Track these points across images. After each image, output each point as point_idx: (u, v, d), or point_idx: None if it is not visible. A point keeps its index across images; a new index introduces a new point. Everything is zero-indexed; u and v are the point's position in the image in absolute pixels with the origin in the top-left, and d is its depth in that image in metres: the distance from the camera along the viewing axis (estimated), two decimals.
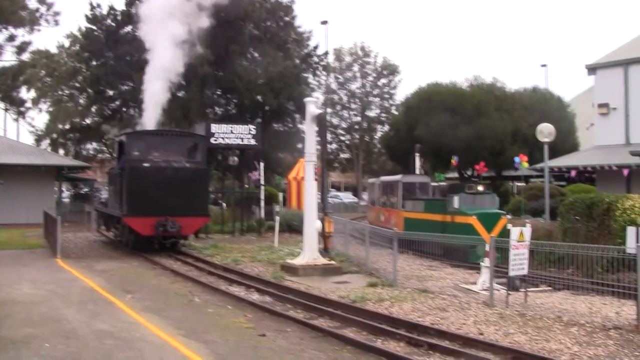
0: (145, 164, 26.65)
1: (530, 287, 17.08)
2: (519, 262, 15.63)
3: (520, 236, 15.67)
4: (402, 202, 32.70)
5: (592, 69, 40.38)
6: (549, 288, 17.54)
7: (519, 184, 49.43)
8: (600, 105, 38.84)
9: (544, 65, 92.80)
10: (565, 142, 46.33)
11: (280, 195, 41.68)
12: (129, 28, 44.91)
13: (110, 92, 47.99)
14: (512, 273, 15.69)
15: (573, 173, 36.44)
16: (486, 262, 16.95)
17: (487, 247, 17.12)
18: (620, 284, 14.57)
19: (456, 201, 26.47)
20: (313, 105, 22.75)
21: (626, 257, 14.45)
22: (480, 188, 27.05)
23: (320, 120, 22.42)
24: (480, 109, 47.42)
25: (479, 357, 11.30)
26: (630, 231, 14.18)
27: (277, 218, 30.21)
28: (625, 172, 31.62)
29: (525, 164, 33.81)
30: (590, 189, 34.07)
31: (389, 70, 74.60)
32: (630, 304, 14.03)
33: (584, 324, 13.61)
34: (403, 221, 31.11)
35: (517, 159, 25.24)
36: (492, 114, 47.39)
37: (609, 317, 14.32)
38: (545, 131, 28.19)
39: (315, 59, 52.43)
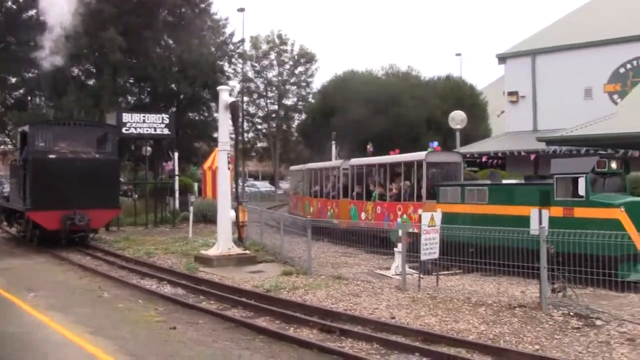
0: (51, 156, 25.79)
1: (443, 270, 17.34)
2: (430, 247, 15.81)
3: (431, 221, 15.90)
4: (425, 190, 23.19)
5: (502, 59, 41.37)
6: (460, 271, 17.81)
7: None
8: (510, 94, 39.87)
9: (458, 54, 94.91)
10: (478, 129, 47.33)
11: (196, 185, 41.17)
12: (32, 12, 43.33)
13: (13, 80, 46.36)
14: (423, 257, 15.85)
15: (484, 158, 37.20)
16: (399, 248, 17.09)
17: (399, 233, 17.26)
18: (526, 265, 14.92)
19: (582, 186, 17.06)
20: (226, 93, 22.54)
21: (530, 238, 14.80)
22: (613, 165, 17.75)
23: (233, 108, 22.16)
24: (396, 96, 47.89)
25: (390, 341, 11.40)
26: (534, 213, 14.57)
27: (191, 208, 29.84)
28: (533, 157, 32.46)
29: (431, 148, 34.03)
30: (501, 173, 34.81)
31: (306, 58, 74.56)
32: (535, 283, 14.37)
33: (492, 304, 13.87)
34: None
35: (433, 144, 25.24)
36: (407, 101, 47.96)
37: (515, 296, 14.66)
38: (458, 118, 28.65)
39: (232, 46, 52.20)
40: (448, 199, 21.28)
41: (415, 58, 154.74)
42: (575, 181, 17.21)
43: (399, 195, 24.50)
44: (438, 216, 16.33)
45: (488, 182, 21.01)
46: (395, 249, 18.10)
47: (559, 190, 17.59)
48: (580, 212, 16.94)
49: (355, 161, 28.83)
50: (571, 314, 12.77)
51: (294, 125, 75.27)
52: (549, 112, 37.12)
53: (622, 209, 16.37)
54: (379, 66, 72.79)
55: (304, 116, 69.50)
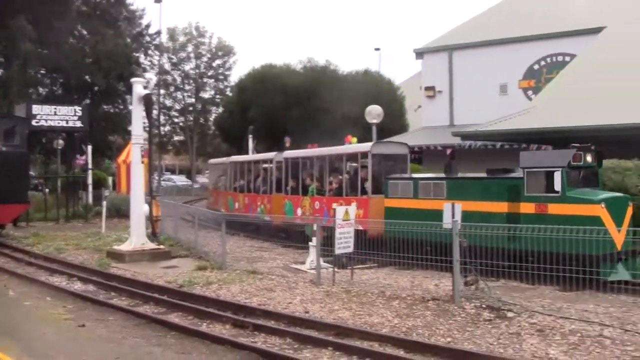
0: None
1: (358, 264, 17.37)
2: (344, 241, 15.79)
3: (345, 215, 15.89)
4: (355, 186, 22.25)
5: (419, 54, 41.78)
6: (375, 265, 17.88)
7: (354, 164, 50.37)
8: (427, 88, 40.31)
9: (377, 49, 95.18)
10: (396, 123, 47.69)
11: (110, 179, 40.34)
12: None
13: None
14: (338, 251, 15.83)
15: None
16: (314, 242, 17.04)
17: (314, 227, 17.21)
18: (439, 258, 15.01)
19: (558, 180, 15.93)
20: (140, 85, 22.12)
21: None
22: (589, 158, 16.70)
23: (147, 101, 21.77)
24: (313, 90, 47.88)
25: (303, 335, 11.33)
26: (447, 207, 14.68)
27: (104, 203, 29.17)
28: (449, 151, 32.88)
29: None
30: (417, 168, 35.14)
31: (224, 51, 74.08)
32: (448, 276, 14.49)
33: (405, 297, 13.97)
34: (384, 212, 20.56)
35: (350, 138, 25.12)
36: (324, 95, 47.96)
37: (428, 289, 14.80)
38: (374, 112, 28.70)
39: (148, 38, 51.34)
40: (398, 193, 19.99)
41: (333, 52, 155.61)
42: (549, 175, 16.05)
43: (340, 190, 22.93)
44: (352, 210, 16.31)
45: (443, 175, 19.66)
46: (310, 243, 18.05)
47: (530, 185, 16.42)
48: (555, 209, 15.82)
49: (290, 153, 27.01)
50: (483, 306, 12.94)
51: (211, 119, 74.61)
52: (465, 107, 37.64)
53: (603, 205, 15.37)
54: (297, 60, 72.88)
55: (221, 109, 68.90)
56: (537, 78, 36.16)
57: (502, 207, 16.91)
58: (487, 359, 9.78)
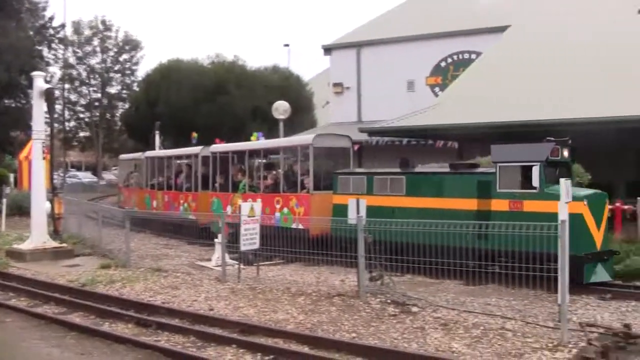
0: None
1: (265, 261, 17.33)
2: (250, 237, 15.71)
3: (251, 211, 15.82)
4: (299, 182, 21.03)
5: (327, 50, 41.83)
6: (282, 261, 17.86)
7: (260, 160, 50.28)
8: (335, 85, 40.40)
9: (286, 45, 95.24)
10: (304, 120, 47.75)
11: (12, 176, 39.06)
12: None
13: None
14: (243, 248, 15.75)
15: None
16: (219, 238, 16.91)
17: (220, 224, 17.08)
18: (345, 254, 15.08)
19: (536, 176, 14.94)
20: (41, 79, 21.47)
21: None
22: (565, 153, 15.68)
23: (49, 95, 21.15)
24: (221, 86, 47.54)
25: (207, 333, 11.22)
26: (351, 203, 14.68)
27: (5, 200, 28.21)
28: (356, 147, 33.06)
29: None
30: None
31: (131, 45, 72.65)
32: (354, 272, 14.57)
33: (311, 294, 14.00)
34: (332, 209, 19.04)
35: (260, 134, 24.94)
36: (232, 91, 47.68)
37: (334, 285, 14.88)
38: (281, 108, 28.66)
39: (52, 31, 49.86)
40: (349, 189, 18.65)
41: (242, 48, 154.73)
42: (526, 170, 15.09)
43: (276, 186, 21.89)
44: (258, 206, 16.24)
45: (399, 170, 18.38)
46: (215, 240, 17.89)
47: (504, 181, 15.39)
48: (532, 206, 14.81)
49: (218, 147, 25.45)
50: (388, 301, 13.08)
51: (117, 114, 73.08)
52: (373, 103, 37.85)
53: (585, 203, 14.56)
54: (205, 55, 72.18)
55: (128, 105, 67.61)
56: (443, 75, 36.69)
57: (470, 204, 15.85)
58: (391, 354, 9.84)
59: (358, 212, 13.73)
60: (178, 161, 28.88)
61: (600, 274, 14.50)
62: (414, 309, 12.50)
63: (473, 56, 34.64)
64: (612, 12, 29.73)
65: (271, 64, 56.74)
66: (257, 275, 15.92)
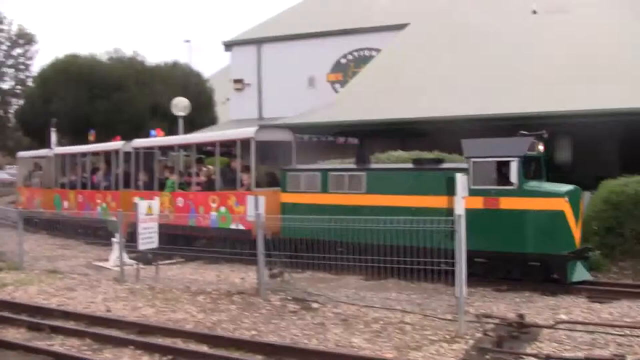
0: None
1: (166, 260, 17.08)
2: (148, 236, 15.42)
3: (149, 210, 15.54)
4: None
5: (228, 46, 41.60)
6: (182, 259, 17.64)
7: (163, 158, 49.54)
8: (236, 81, 40.22)
9: (187, 41, 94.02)
10: (204, 116, 47.27)
11: None
12: None
13: None
14: (142, 247, 15.44)
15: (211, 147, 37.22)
16: (117, 238, 16.55)
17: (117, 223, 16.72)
18: (245, 252, 15.02)
19: (515, 171, 14.06)
20: None
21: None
22: (541, 147, 15.05)
23: None
24: (120, 82, 46.60)
25: (104, 335, 10.93)
26: (250, 200, 14.62)
27: None
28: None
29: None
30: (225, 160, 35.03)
31: (25, 39, 70.37)
32: (255, 270, 14.49)
33: (211, 292, 13.89)
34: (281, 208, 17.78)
35: (152, 132, 24.35)
36: (131, 87, 46.82)
37: (234, 283, 14.82)
38: (180, 105, 28.35)
39: None
40: (301, 187, 17.52)
41: (142, 43, 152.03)
42: (503, 166, 14.32)
43: (211, 184, 20.32)
44: (156, 205, 15.99)
45: (354, 166, 17.43)
46: (113, 239, 17.50)
47: (478, 177, 14.47)
48: (509, 203, 14.06)
49: (142, 142, 23.52)
50: (289, 298, 13.06)
51: (11, 111, 70.69)
52: (274, 100, 37.82)
53: (567, 199, 13.92)
54: (103, 50, 70.62)
55: (22, 101, 65.47)
56: (344, 72, 36.97)
57: (440, 201, 14.62)
58: (291, 351, 9.80)
59: (257, 209, 13.67)
60: (99, 157, 26.46)
61: (581, 273, 14.03)
62: (315, 305, 12.52)
63: (373, 53, 35.02)
64: (508, 13, 30.65)
65: (171, 60, 56.00)
66: (157, 275, 15.64)
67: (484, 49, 27.32)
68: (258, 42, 39.90)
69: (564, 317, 11.36)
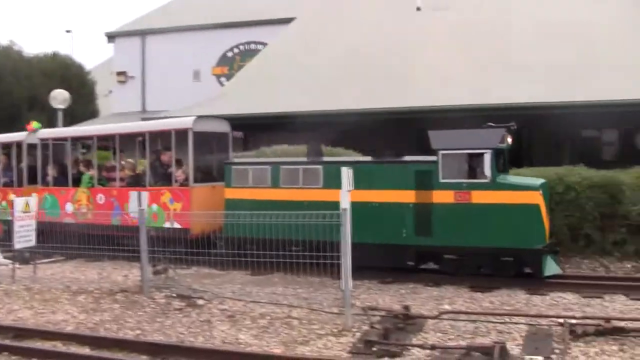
0: None
1: (45, 258, 16.50)
2: (25, 234, 14.85)
3: (26, 207, 14.97)
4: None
5: (111, 37, 40.74)
6: (62, 258, 17.07)
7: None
8: (119, 74, 39.46)
9: (68, 31, 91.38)
10: (85, 109, 46.07)
11: None
12: None
13: None
14: (18, 246, 14.87)
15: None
16: None
17: None
18: (127, 248, 14.66)
19: (488, 164, 13.65)
20: None
21: None
22: (509, 140, 14.54)
23: None
24: None
25: None
26: (133, 195, 14.27)
27: None
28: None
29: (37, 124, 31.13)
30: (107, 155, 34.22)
31: None
32: (138, 267, 14.16)
33: (93, 291, 13.51)
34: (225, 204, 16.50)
35: (32, 125, 23.24)
36: (7, 78, 45.15)
37: (117, 281, 14.46)
38: (60, 97, 27.43)
39: None
40: (249, 181, 16.19)
41: (19, 33, 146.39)
42: (475, 158, 13.80)
43: (137, 178, 18.49)
44: (33, 201, 15.40)
45: (305, 159, 16.22)
46: None
47: (447, 170, 13.92)
48: (482, 197, 13.62)
49: (50, 132, 21.22)
50: (174, 295, 12.84)
51: None
52: (158, 93, 37.27)
53: (541, 193, 13.67)
54: None
55: None
56: (230, 65, 36.83)
57: (407, 196, 14.24)
58: (176, 349, 9.60)
59: (140, 205, 13.36)
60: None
61: (552, 267, 13.80)
62: (200, 302, 12.34)
63: (260, 47, 35.01)
64: (393, 9, 31.18)
65: (51, 50, 54.31)
66: (34, 275, 15.05)
67: (369, 46, 27.71)
68: (142, 33, 39.26)
69: (447, 307, 11.61)
